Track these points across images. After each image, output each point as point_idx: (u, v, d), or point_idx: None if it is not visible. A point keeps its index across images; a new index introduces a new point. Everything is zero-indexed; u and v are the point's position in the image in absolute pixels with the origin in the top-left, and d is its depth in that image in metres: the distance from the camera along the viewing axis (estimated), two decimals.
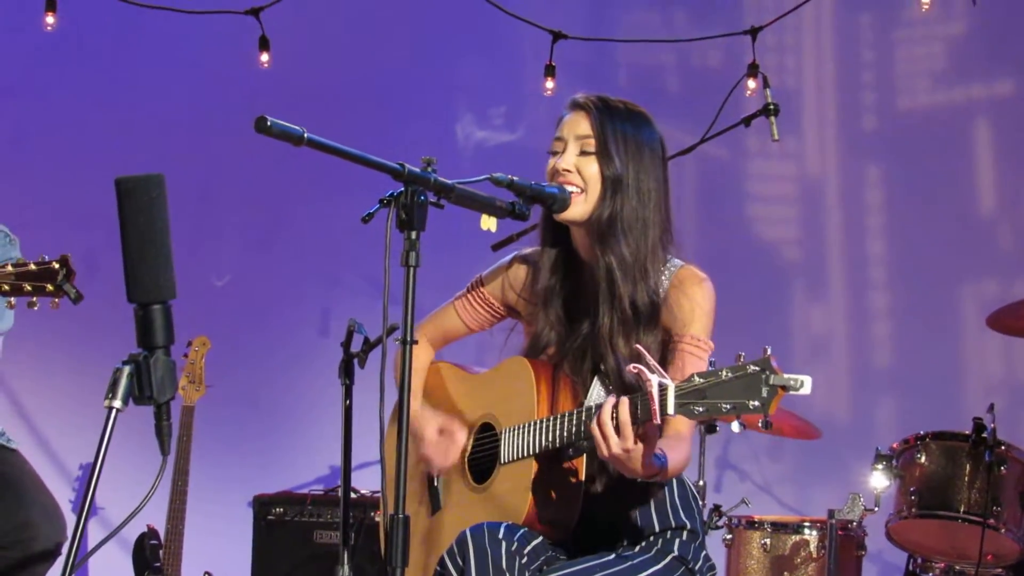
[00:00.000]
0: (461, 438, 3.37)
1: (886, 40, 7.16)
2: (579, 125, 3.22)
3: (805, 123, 7.21)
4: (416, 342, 2.80)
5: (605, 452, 2.82)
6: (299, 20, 6.92)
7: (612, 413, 2.80)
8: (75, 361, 6.58)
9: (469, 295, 3.52)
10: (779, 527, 5.25)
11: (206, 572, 5.67)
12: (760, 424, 2.63)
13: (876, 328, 7.07)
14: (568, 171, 3.19)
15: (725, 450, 6.88)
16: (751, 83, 5.94)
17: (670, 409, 2.69)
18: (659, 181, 3.23)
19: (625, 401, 2.79)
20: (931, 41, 7.12)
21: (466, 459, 3.38)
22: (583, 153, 3.20)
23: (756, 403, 2.60)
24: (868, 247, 7.12)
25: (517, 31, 6.69)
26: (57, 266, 3.84)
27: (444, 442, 3.38)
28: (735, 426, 2.69)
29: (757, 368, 2.61)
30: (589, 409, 2.96)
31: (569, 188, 3.18)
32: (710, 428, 2.37)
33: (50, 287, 3.89)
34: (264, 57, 6.54)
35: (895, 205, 7.06)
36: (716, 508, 5.43)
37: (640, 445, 2.78)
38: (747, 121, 5.11)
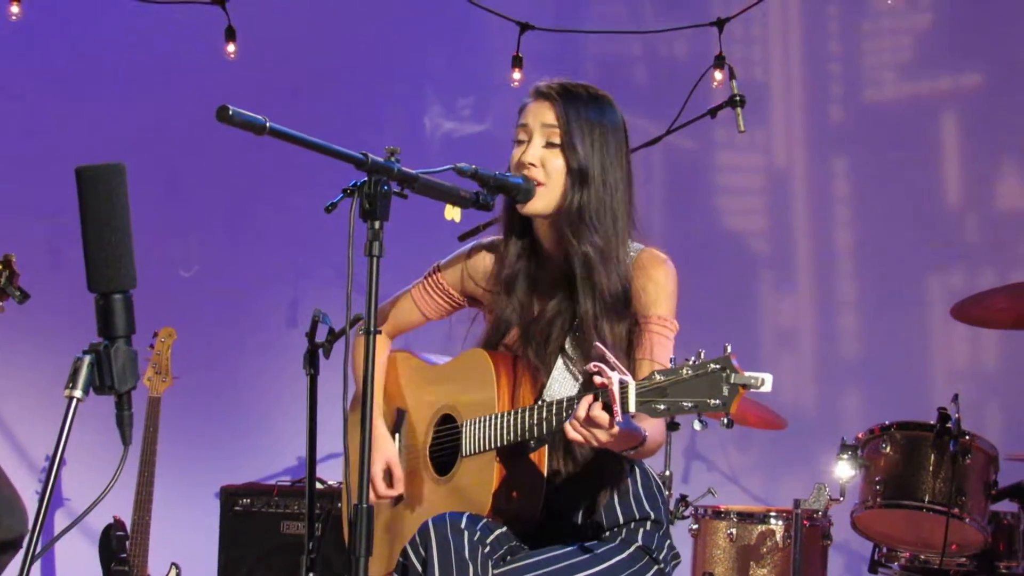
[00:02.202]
0: (400, 486, 3.40)
1: (853, 32, 7.18)
2: (544, 115, 3.20)
3: (772, 115, 7.23)
4: (380, 331, 2.79)
5: (594, 443, 2.83)
6: (265, 10, 6.90)
7: (587, 413, 2.78)
8: (41, 352, 6.54)
9: (426, 284, 3.51)
10: (745, 517, 5.27)
11: (173, 563, 5.66)
12: (721, 422, 2.62)
13: (843, 319, 7.10)
14: (533, 164, 3.18)
15: (692, 440, 6.90)
16: (718, 75, 5.95)
17: (631, 407, 2.70)
18: (624, 168, 3.22)
19: (598, 404, 2.78)
20: (898, 33, 7.14)
21: (428, 451, 3.38)
22: (548, 145, 3.19)
23: (717, 401, 2.61)
24: (835, 238, 7.14)
25: (485, 22, 6.68)
26: (0, 267, 3.79)
27: (382, 483, 3.42)
28: (696, 424, 2.69)
29: (718, 366, 2.61)
30: (550, 404, 2.96)
31: (534, 179, 3.18)
32: (672, 425, 2.39)
33: None
34: (230, 47, 6.51)
35: (862, 196, 7.08)
36: (683, 498, 5.45)
37: (617, 428, 2.77)
38: (713, 112, 5.12)
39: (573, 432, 2.82)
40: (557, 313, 3.22)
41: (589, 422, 2.77)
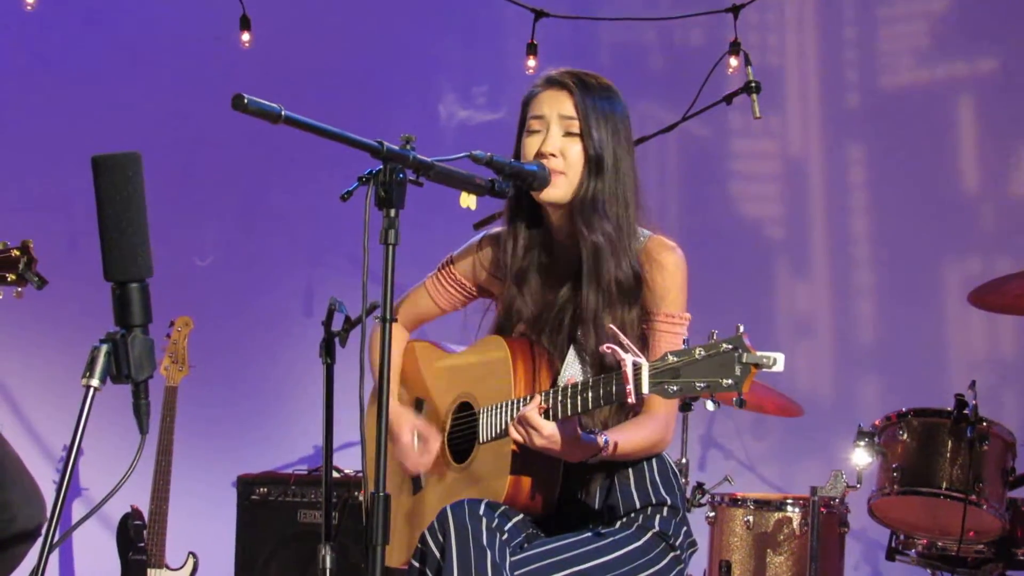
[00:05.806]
0: (435, 445, 3.41)
1: (868, 18, 7.16)
2: (561, 105, 3.22)
3: (788, 101, 7.20)
4: (396, 320, 2.80)
5: (530, 445, 2.95)
6: None
7: (529, 413, 2.92)
8: (58, 342, 6.55)
9: (440, 275, 3.53)
10: (762, 504, 5.27)
11: (190, 552, 5.67)
12: (734, 402, 2.64)
13: (859, 306, 7.08)
14: (554, 155, 3.19)
15: (708, 428, 6.89)
16: (733, 61, 5.92)
17: (644, 388, 2.71)
18: (631, 156, 3.25)
19: (539, 410, 2.93)
20: (914, 19, 7.12)
21: (445, 438, 3.38)
22: (566, 134, 3.20)
23: (730, 381, 2.62)
24: (851, 225, 7.12)
25: (499, 9, 6.67)
26: (18, 253, 3.79)
27: (418, 447, 3.43)
28: (709, 404, 2.70)
29: (730, 346, 2.62)
30: (564, 388, 2.96)
31: (553, 169, 3.18)
32: (685, 406, 2.41)
33: (12, 276, 3.85)
34: (245, 36, 6.50)
35: (878, 183, 7.06)
36: (699, 486, 5.43)
37: (556, 432, 2.92)
38: (729, 99, 5.11)
39: (514, 432, 2.97)
40: (567, 303, 3.23)
41: (526, 421, 2.92)
